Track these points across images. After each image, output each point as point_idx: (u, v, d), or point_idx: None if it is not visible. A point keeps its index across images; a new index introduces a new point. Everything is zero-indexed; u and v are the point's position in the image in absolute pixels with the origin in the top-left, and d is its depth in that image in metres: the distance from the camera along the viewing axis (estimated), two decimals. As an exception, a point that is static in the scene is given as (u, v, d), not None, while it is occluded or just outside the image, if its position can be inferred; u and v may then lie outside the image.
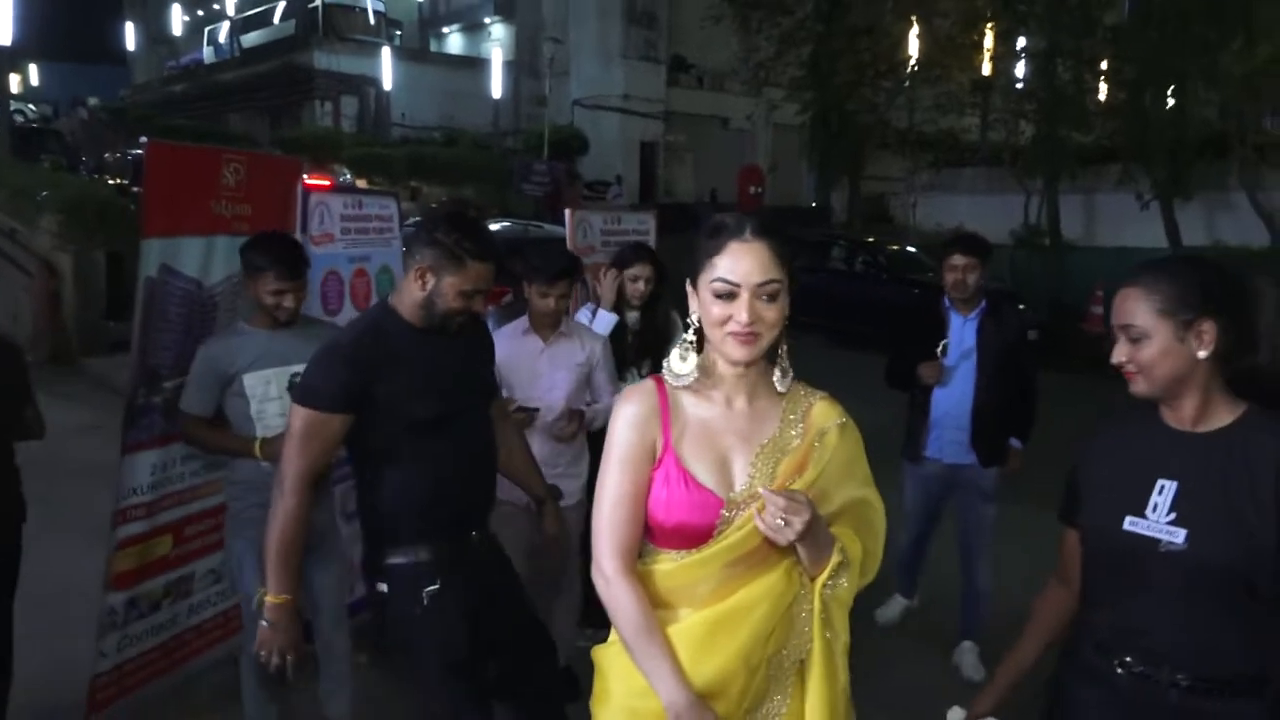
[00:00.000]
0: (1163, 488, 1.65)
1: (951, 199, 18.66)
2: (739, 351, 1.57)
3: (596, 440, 3.65)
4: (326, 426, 2.20)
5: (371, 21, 30.82)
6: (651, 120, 27.60)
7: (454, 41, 35.11)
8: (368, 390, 2.20)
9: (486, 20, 32.91)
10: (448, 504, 2.33)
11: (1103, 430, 1.82)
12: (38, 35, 31.00)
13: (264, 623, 2.24)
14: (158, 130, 22.92)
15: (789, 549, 1.55)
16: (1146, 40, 13.31)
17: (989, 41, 18.18)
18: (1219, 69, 12.51)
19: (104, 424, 6.84)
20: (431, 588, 2.27)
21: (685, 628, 1.59)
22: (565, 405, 3.30)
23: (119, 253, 9.23)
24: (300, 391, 2.25)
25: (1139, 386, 1.66)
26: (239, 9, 35.30)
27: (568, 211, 4.72)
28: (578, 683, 3.45)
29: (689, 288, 1.64)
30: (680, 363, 1.65)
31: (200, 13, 39.73)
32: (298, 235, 3.49)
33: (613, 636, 1.67)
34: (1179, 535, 1.60)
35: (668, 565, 1.61)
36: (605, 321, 3.77)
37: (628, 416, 1.64)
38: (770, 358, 1.65)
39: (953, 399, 3.72)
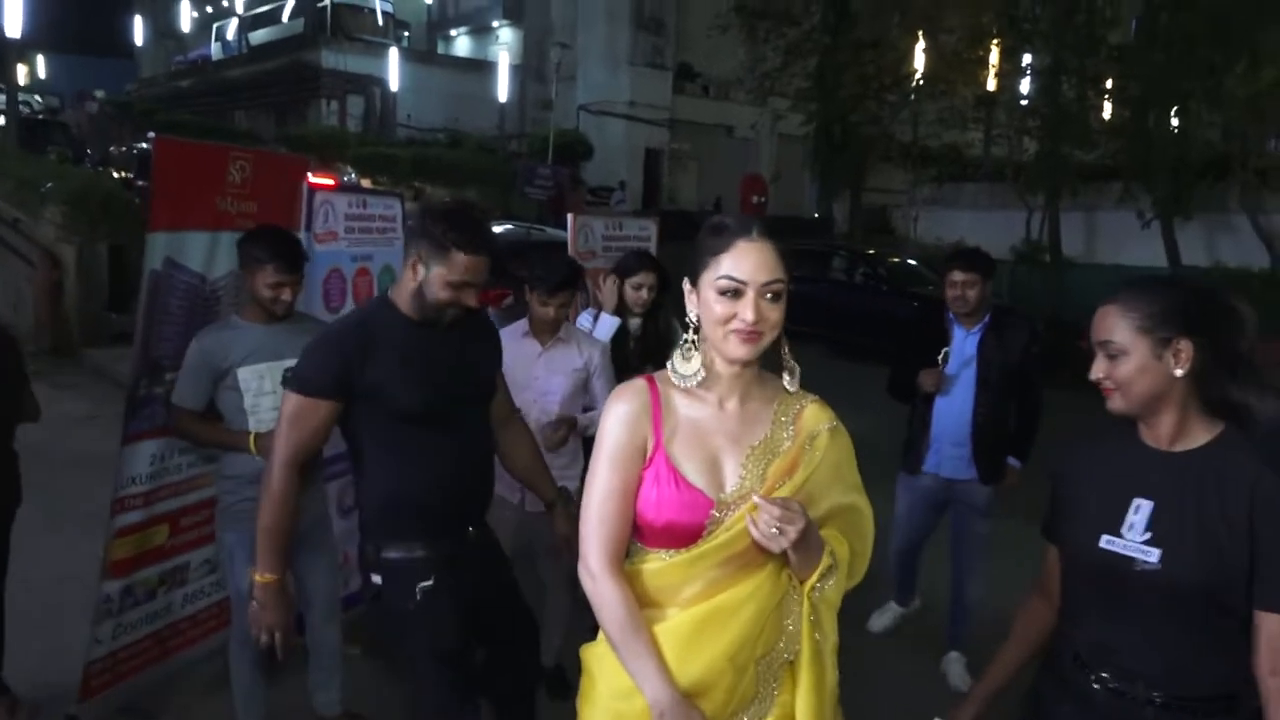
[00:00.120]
0: (1138, 507, 1.66)
1: (953, 213, 18.70)
2: (740, 350, 1.56)
3: (587, 444, 3.68)
4: (314, 412, 2.25)
5: (380, 22, 30.91)
6: (657, 127, 27.68)
7: (461, 44, 35.20)
8: (355, 378, 2.23)
9: (494, 23, 33.01)
10: (444, 500, 2.35)
11: (1081, 448, 1.84)
12: (46, 27, 31.02)
13: (254, 602, 2.30)
14: (163, 125, 22.96)
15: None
16: (1151, 60, 13.36)
17: (994, 57, 18.23)
18: (1223, 91, 12.56)
19: (103, 415, 6.90)
20: (425, 584, 2.30)
21: (671, 626, 1.59)
22: (559, 411, 3.32)
23: (122, 245, 9.25)
24: (291, 377, 2.31)
25: (1116, 403, 1.68)
26: (248, 6, 35.37)
27: (570, 216, 4.75)
28: (567, 682, 3.48)
29: (686, 286, 1.65)
30: (685, 363, 1.65)
31: (209, 9, 39.81)
32: (302, 233, 3.53)
33: (600, 635, 1.67)
34: (1153, 555, 1.62)
35: (656, 564, 1.62)
36: (608, 326, 3.79)
37: (619, 414, 1.64)
38: (763, 362, 1.65)
39: (952, 413, 3.71)
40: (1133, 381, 1.64)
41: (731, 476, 1.61)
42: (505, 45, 30.58)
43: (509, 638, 2.62)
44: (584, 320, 3.94)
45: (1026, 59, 17.74)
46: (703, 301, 1.60)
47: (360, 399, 2.26)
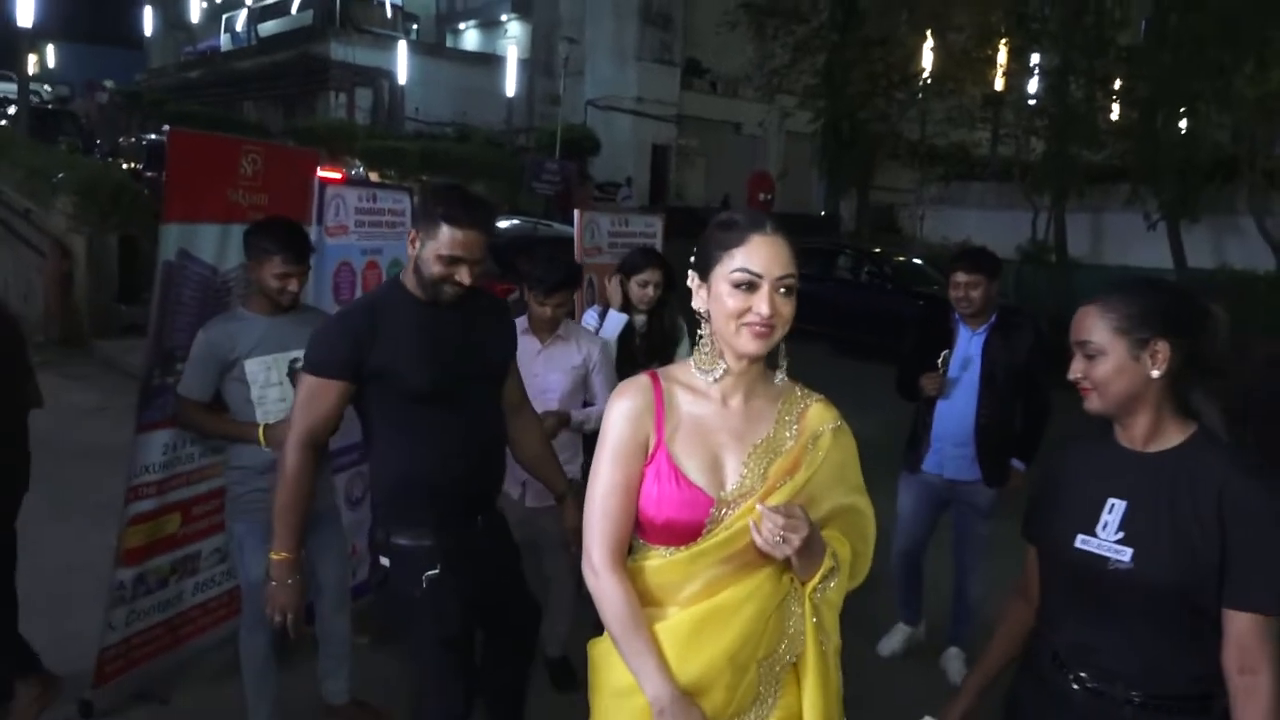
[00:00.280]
0: (1112, 506, 1.68)
1: (960, 212, 18.72)
2: (753, 345, 1.56)
3: (593, 440, 3.72)
4: (326, 393, 2.30)
5: (389, 15, 30.97)
6: (664, 123, 27.70)
7: (470, 38, 35.22)
8: (366, 359, 2.28)
9: (503, 18, 33.00)
10: (453, 480, 2.37)
11: (1059, 449, 1.86)
12: (56, 17, 31.09)
13: (271, 581, 2.37)
14: (171, 116, 23.03)
15: None
16: (1160, 61, 13.35)
17: (1002, 57, 18.22)
18: (1232, 92, 12.55)
19: (113, 406, 6.95)
20: (431, 572, 2.33)
21: (671, 625, 1.59)
22: (558, 407, 3.34)
23: (132, 236, 9.30)
24: (304, 358, 2.38)
25: (1093, 403, 1.70)
26: (257, -3, 35.46)
27: (576, 212, 4.78)
28: (573, 673, 3.52)
29: (694, 281, 1.64)
30: (705, 358, 1.64)
31: (218, 0, 39.87)
32: (313, 226, 3.56)
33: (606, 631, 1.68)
34: (1125, 554, 1.64)
35: (657, 561, 1.62)
36: (615, 322, 3.82)
37: (622, 410, 1.64)
38: (768, 360, 1.65)
39: (955, 413, 3.70)
40: (1110, 382, 1.66)
41: (732, 475, 1.61)
42: (513, 39, 30.59)
43: (510, 627, 2.65)
44: (590, 318, 3.97)
45: (1035, 59, 17.73)
46: (714, 296, 1.58)
47: (371, 380, 2.31)
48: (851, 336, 11.99)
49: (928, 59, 19.46)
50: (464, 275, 2.30)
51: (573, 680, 3.49)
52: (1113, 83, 15.66)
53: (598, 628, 1.67)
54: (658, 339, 3.84)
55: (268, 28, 33.01)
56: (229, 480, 3.00)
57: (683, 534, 1.59)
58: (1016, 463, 3.79)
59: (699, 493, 1.59)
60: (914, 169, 21.27)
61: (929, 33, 19.35)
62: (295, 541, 2.37)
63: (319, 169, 3.84)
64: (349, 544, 3.44)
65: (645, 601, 1.62)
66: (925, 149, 20.84)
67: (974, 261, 3.64)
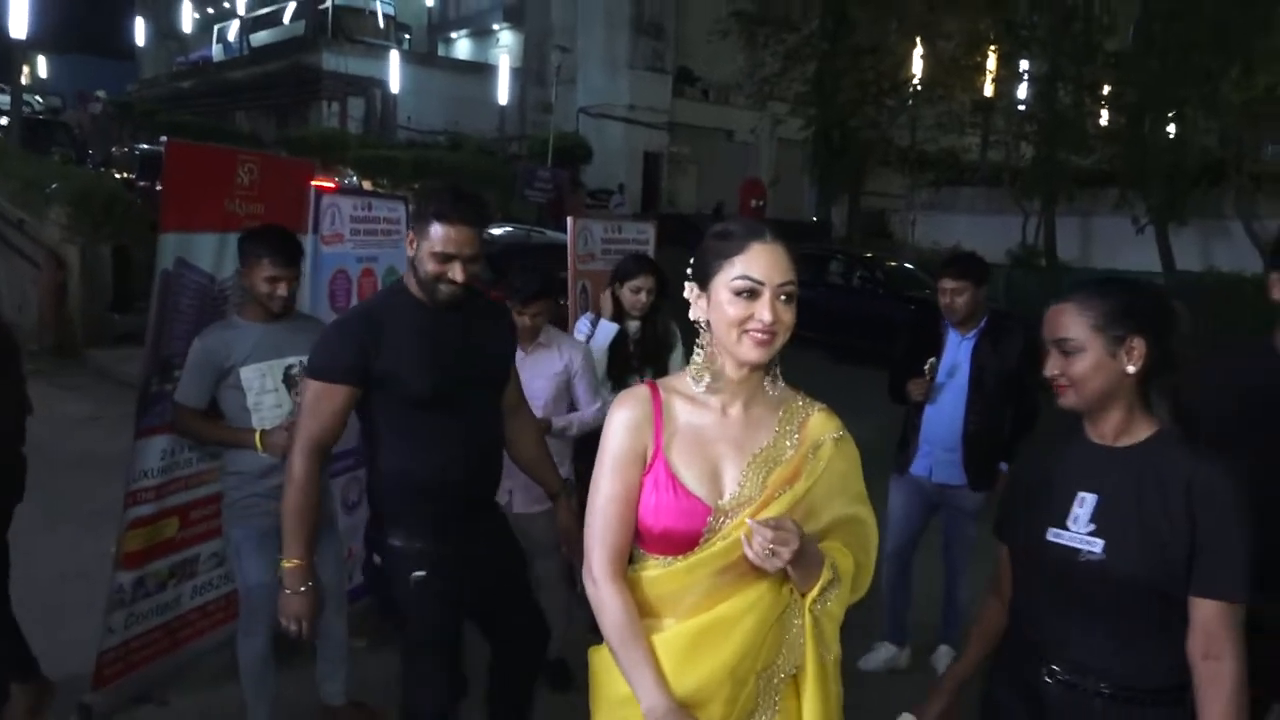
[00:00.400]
0: (1083, 500, 1.71)
1: (950, 217, 18.84)
2: (755, 353, 1.56)
3: (582, 445, 3.77)
4: (331, 397, 2.31)
5: (381, 24, 30.97)
6: (656, 131, 27.77)
7: (462, 46, 35.29)
8: (371, 363, 2.30)
9: (495, 26, 33.10)
10: (449, 484, 2.40)
11: (1033, 449, 1.91)
12: (49, 27, 31.06)
13: (285, 590, 2.36)
14: (163, 126, 23.02)
15: None
16: (1148, 67, 13.48)
17: (991, 63, 18.36)
18: (1219, 97, 12.67)
19: (106, 415, 6.96)
20: (418, 574, 2.36)
21: (669, 637, 1.59)
22: (542, 414, 3.37)
23: (125, 246, 9.32)
24: (309, 364, 2.39)
25: (1069, 399, 1.73)
26: (249, 8, 35.45)
27: (570, 220, 4.83)
28: (570, 674, 3.55)
29: (692, 291, 1.64)
30: (699, 368, 1.65)
31: (210, 10, 39.88)
32: (309, 234, 3.61)
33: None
34: (1097, 545, 1.67)
35: (655, 571, 1.62)
36: (606, 332, 3.86)
37: (621, 420, 1.64)
38: (767, 367, 1.65)
39: (943, 418, 3.72)
40: (1088, 378, 1.69)
41: (731, 484, 1.60)
42: (506, 48, 30.68)
43: (513, 639, 2.67)
44: (583, 325, 4.01)
45: (1024, 65, 17.86)
46: (714, 304, 1.58)
47: (375, 384, 2.32)
48: (844, 342, 12.04)
49: (918, 66, 19.61)
50: (457, 272, 2.30)
51: (570, 681, 3.53)
52: (1101, 88, 15.80)
53: (593, 628, 1.69)
54: (651, 345, 3.87)
55: (260, 38, 32.99)
56: (225, 486, 3.03)
57: (680, 543, 1.60)
58: (1004, 466, 3.80)
59: (696, 502, 1.59)
60: (904, 175, 21.42)
61: (918, 40, 19.49)
62: (306, 548, 2.35)
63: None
64: (345, 548, 3.48)
65: (644, 612, 1.62)
66: (916, 155, 20.99)
67: (960, 268, 3.66)
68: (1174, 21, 13.04)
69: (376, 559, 2.44)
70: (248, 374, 2.92)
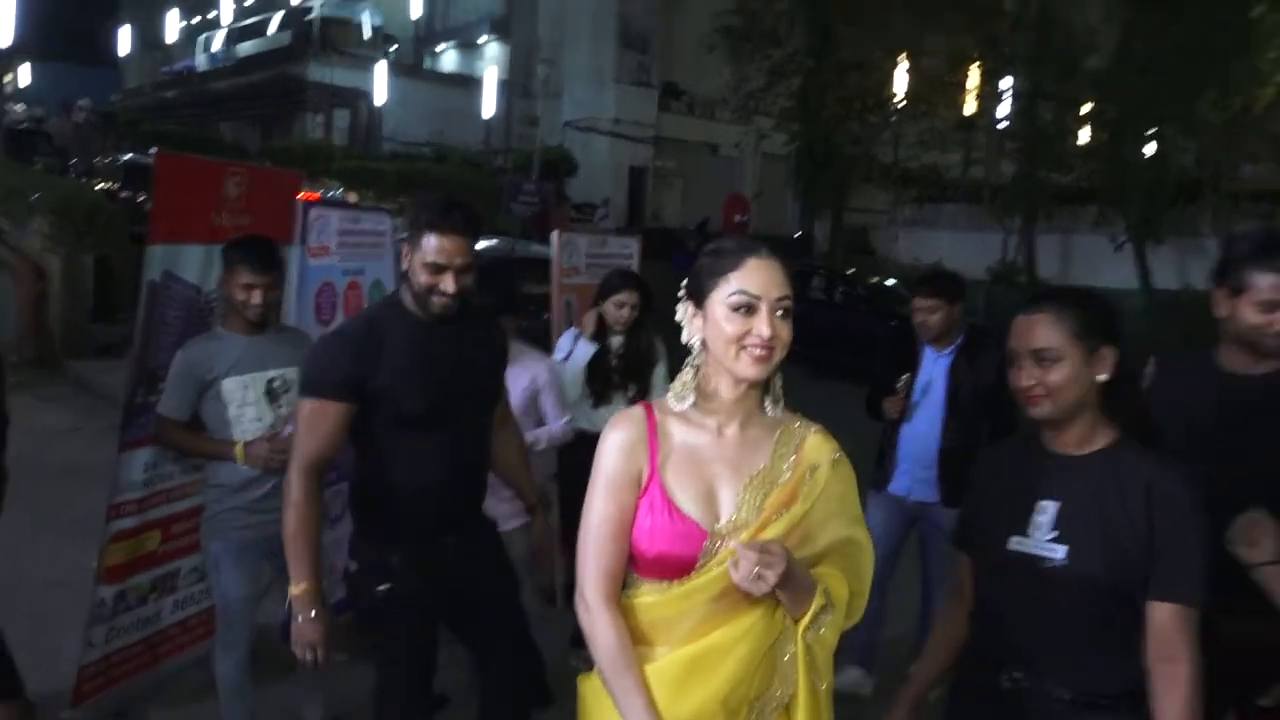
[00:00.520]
0: (1045, 508, 1.73)
1: (932, 234, 19.01)
2: (753, 369, 1.54)
3: (565, 468, 3.76)
4: (325, 414, 2.26)
5: (367, 36, 30.96)
6: (641, 145, 27.89)
7: (448, 59, 35.27)
8: (365, 378, 2.26)
9: (481, 39, 33.13)
10: (428, 503, 2.37)
11: (988, 459, 1.94)
12: (33, 35, 30.86)
13: (296, 618, 2.27)
14: (147, 136, 22.85)
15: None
16: (1128, 85, 13.67)
17: (974, 81, 18.55)
18: (1196, 117, 12.86)
19: (87, 427, 6.91)
20: (383, 587, 2.34)
21: (662, 667, 1.56)
22: None
23: (107, 256, 9.28)
24: (301, 381, 2.35)
25: (1044, 409, 1.72)
26: (234, 18, 35.41)
27: (555, 234, 4.85)
28: (549, 689, 3.54)
29: (686, 310, 1.62)
30: (684, 386, 1.63)
31: (196, 20, 39.79)
32: (296, 247, 3.61)
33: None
34: (1059, 551, 1.69)
35: (651, 598, 1.58)
36: (583, 353, 3.89)
37: (615, 441, 1.61)
38: (763, 387, 1.63)
39: (918, 435, 3.72)
40: (1065, 388, 1.70)
41: (727, 506, 1.58)
42: (492, 61, 30.70)
43: (499, 662, 2.62)
44: (565, 341, 4.02)
45: (1006, 83, 18.05)
46: (711, 321, 1.56)
47: (369, 400, 2.28)
48: (825, 357, 12.09)
49: (901, 83, 19.77)
50: (449, 283, 2.27)
51: (549, 699, 3.52)
52: (1081, 106, 15.99)
53: (576, 641, 1.68)
54: (634, 360, 3.87)
55: (245, 48, 32.91)
56: (206, 498, 3.01)
57: (675, 567, 1.56)
58: None
59: (692, 525, 1.56)
60: (887, 191, 21.58)
61: (902, 57, 19.68)
62: (311, 570, 2.27)
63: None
64: (328, 562, 3.46)
65: (637, 639, 1.58)
66: (898, 171, 21.16)
67: (933, 287, 3.68)
68: (1154, 41, 13.25)
69: (352, 565, 2.44)
70: (230, 386, 2.91)
